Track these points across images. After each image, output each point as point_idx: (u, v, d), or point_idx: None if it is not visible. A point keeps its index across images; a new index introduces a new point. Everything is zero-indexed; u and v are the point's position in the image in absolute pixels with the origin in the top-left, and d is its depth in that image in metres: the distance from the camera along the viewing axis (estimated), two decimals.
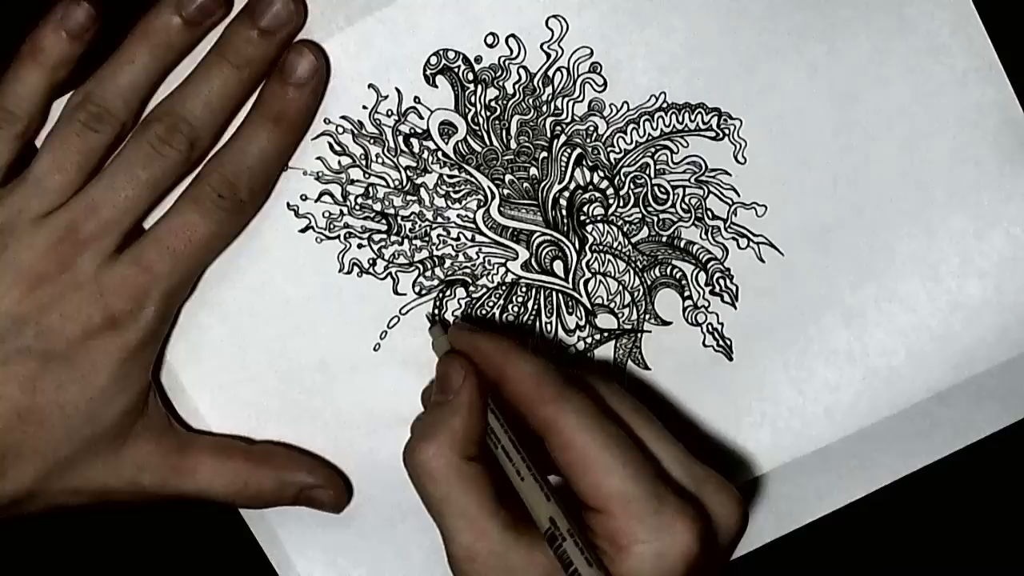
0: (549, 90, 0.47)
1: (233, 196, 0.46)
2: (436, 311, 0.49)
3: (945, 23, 0.47)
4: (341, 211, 0.48)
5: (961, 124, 0.48)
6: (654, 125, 0.48)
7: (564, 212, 0.48)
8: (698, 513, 0.42)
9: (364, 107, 0.47)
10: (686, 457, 0.44)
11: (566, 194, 0.48)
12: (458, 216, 0.48)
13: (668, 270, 0.49)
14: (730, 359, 0.50)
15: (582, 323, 0.49)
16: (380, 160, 0.48)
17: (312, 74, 0.46)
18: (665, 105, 0.48)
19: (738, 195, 0.48)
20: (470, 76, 0.47)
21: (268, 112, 0.46)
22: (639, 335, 0.49)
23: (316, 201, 0.48)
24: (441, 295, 0.49)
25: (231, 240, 0.47)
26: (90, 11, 0.45)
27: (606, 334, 0.49)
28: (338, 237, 0.48)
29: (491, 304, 0.49)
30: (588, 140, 0.48)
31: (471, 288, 0.49)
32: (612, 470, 0.42)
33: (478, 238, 0.48)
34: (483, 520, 0.43)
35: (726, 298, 0.49)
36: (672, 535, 0.41)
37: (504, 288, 0.49)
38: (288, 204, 0.48)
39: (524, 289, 0.49)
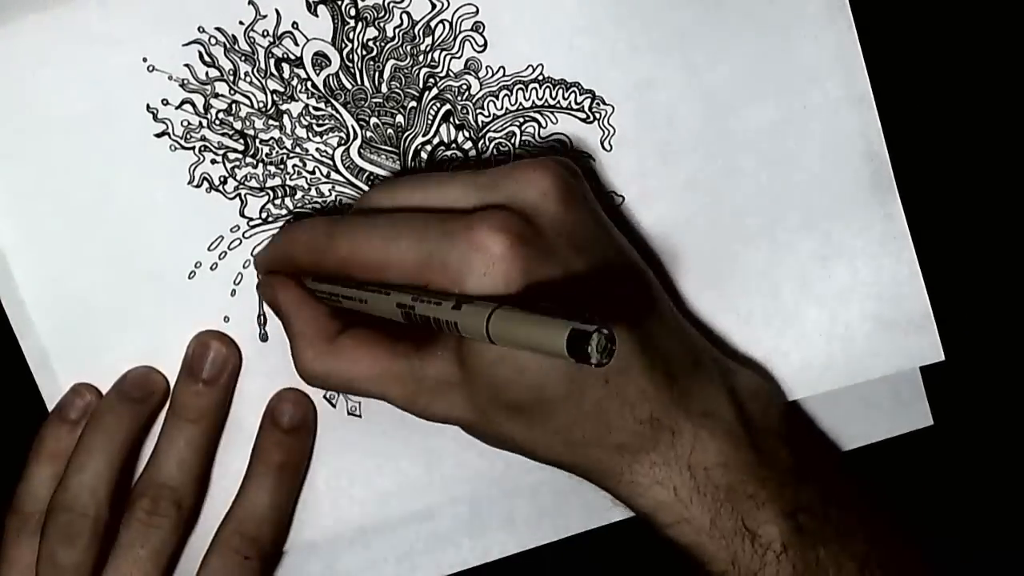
0: (429, 40, 0.47)
1: (259, 552, 0.48)
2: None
3: (827, 49, 0.48)
4: (200, 123, 0.47)
5: (825, 151, 0.48)
6: (527, 95, 0.48)
7: (423, 166, 0.48)
8: (493, 215, 0.41)
9: (241, 22, 0.47)
10: (468, 177, 0.43)
11: (428, 148, 0.48)
12: (317, 150, 0.48)
13: None
14: None
15: None
16: (248, 79, 0.47)
17: (303, 419, 0.49)
18: (541, 78, 0.48)
19: (598, 181, 0.48)
20: (352, 11, 0.47)
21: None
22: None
23: (177, 108, 0.47)
24: (287, 224, 0.48)
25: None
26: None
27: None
28: (193, 149, 0.47)
29: None
30: (459, 98, 0.48)
31: None
32: (400, 250, 0.42)
33: (333, 176, 0.48)
34: (388, 366, 0.44)
35: None
36: (481, 250, 0.40)
37: None
38: (148, 106, 0.47)
39: None
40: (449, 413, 0.44)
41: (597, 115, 0.48)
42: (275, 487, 0.48)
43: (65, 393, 0.48)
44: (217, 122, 0.47)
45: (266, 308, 0.48)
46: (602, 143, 0.48)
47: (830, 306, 0.49)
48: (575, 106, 0.48)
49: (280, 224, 0.48)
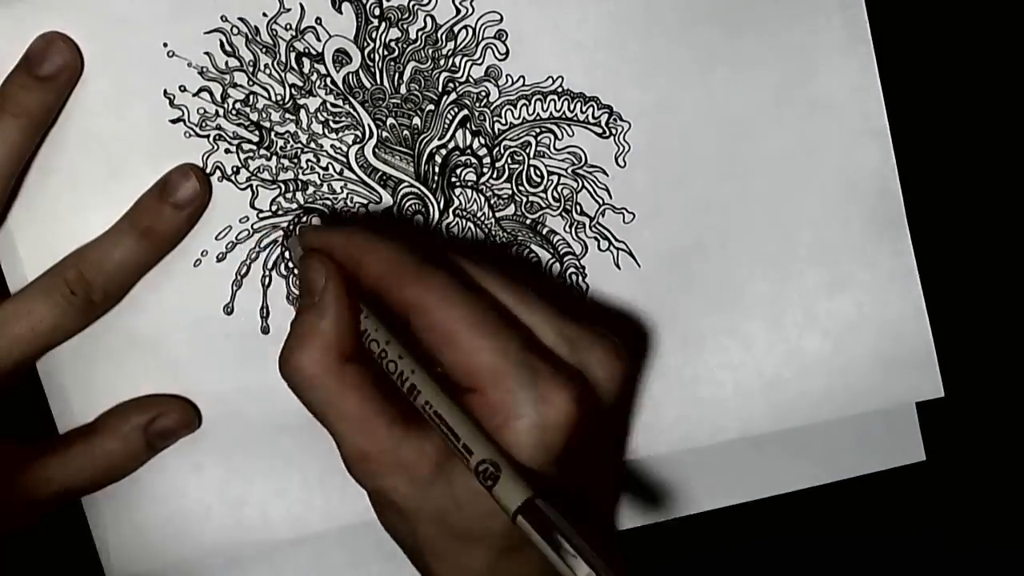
0: (451, 45, 0.47)
1: (85, 296, 0.46)
2: (287, 234, 0.48)
3: (847, 79, 0.48)
4: (217, 111, 0.47)
5: (839, 183, 0.48)
6: (544, 106, 0.48)
7: (437, 169, 0.48)
8: (573, 377, 0.41)
9: (264, 14, 0.46)
10: (559, 319, 0.43)
11: (443, 152, 0.48)
12: (331, 147, 0.48)
13: (524, 253, 0.49)
14: None
15: None
16: (268, 71, 0.47)
17: (192, 199, 0.47)
18: (560, 89, 0.48)
19: (610, 197, 0.48)
20: (376, 11, 0.47)
21: (139, 223, 0.46)
22: None
23: (194, 95, 0.47)
24: (296, 219, 0.48)
25: (73, 335, 0.47)
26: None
27: None
28: (207, 137, 0.47)
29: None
30: (477, 104, 0.48)
31: (327, 220, 0.48)
32: (479, 345, 0.41)
33: (346, 173, 0.48)
34: (369, 420, 0.42)
35: (574, 295, 0.49)
36: (549, 404, 0.40)
37: None
38: (165, 91, 0.47)
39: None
40: (389, 492, 0.43)
41: (613, 131, 0.48)
42: (132, 247, 0.46)
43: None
44: (233, 112, 0.47)
45: (270, 300, 0.48)
46: (616, 159, 0.48)
47: (833, 337, 0.49)
48: (592, 120, 0.48)
49: (289, 218, 0.48)
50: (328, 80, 0.47)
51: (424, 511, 0.42)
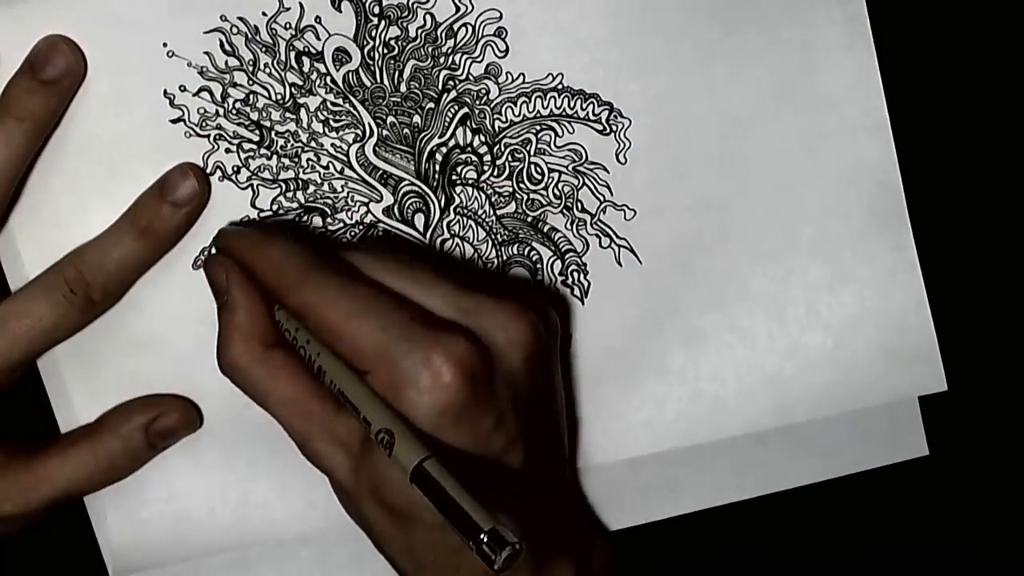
0: (451, 43, 0.47)
1: (85, 294, 0.46)
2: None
3: (847, 74, 0.48)
4: (217, 111, 0.47)
5: (839, 177, 0.48)
6: (545, 104, 0.48)
7: (437, 167, 0.48)
8: (458, 340, 0.42)
9: (264, 13, 0.46)
10: (457, 292, 0.44)
11: (443, 150, 0.48)
12: (332, 145, 0.48)
13: (526, 250, 0.49)
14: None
15: None
16: (268, 70, 0.47)
17: (191, 198, 0.47)
18: (560, 87, 0.48)
19: (611, 194, 0.48)
20: (376, 9, 0.46)
21: (138, 222, 0.47)
22: None
23: (194, 95, 0.47)
24: (298, 219, 0.48)
25: (73, 333, 0.47)
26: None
27: None
28: (208, 137, 0.47)
29: (344, 240, 0.48)
30: (477, 102, 0.48)
31: (328, 219, 0.48)
32: (360, 332, 0.42)
33: (347, 172, 0.48)
34: (302, 400, 0.44)
35: (576, 292, 0.49)
36: (433, 368, 0.41)
37: (361, 228, 0.48)
38: (165, 91, 0.47)
39: (381, 233, 0.48)
40: (333, 471, 0.44)
41: (614, 127, 0.48)
42: (131, 246, 0.46)
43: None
44: (234, 112, 0.47)
45: None
46: (617, 155, 0.48)
47: (835, 332, 0.49)
48: (592, 117, 0.48)
49: (290, 217, 0.48)
50: (328, 79, 0.47)
51: (362, 490, 0.43)
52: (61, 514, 0.48)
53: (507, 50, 0.47)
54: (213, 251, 0.47)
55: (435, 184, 0.48)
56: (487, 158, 0.48)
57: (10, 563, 0.51)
